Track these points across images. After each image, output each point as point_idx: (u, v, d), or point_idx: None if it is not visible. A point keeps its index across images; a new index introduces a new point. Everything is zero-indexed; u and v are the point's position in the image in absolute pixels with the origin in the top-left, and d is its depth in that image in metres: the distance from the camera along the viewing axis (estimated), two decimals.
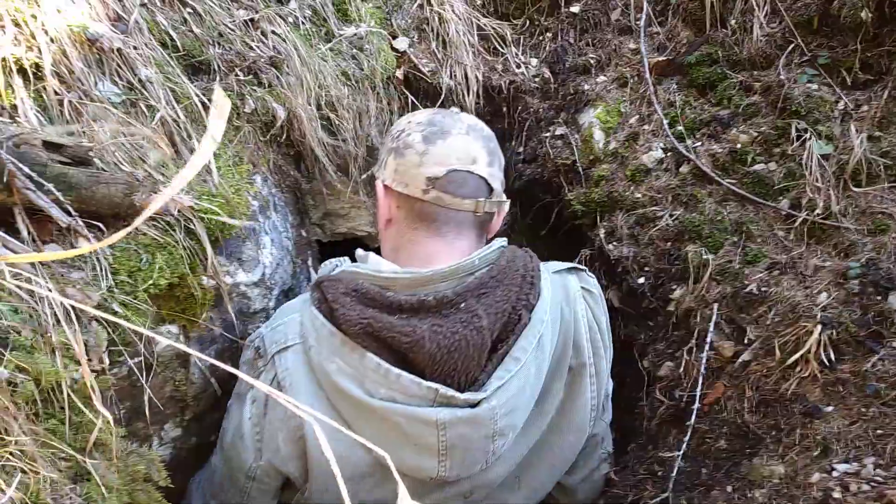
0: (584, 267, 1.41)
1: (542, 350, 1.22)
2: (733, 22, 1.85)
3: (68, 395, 1.04)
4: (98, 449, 1.11)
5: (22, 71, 1.21)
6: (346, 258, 1.30)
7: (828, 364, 1.30)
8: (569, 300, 1.32)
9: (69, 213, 1.05)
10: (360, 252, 1.30)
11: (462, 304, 1.14)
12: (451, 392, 1.12)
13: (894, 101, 1.57)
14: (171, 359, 1.32)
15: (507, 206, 1.32)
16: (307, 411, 0.51)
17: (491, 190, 1.25)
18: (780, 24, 1.80)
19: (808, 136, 1.60)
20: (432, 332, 1.11)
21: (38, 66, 1.23)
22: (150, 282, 1.22)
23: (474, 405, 1.13)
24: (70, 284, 1.11)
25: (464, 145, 1.22)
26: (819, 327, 1.32)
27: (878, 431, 1.17)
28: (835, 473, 1.15)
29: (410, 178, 1.21)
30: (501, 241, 1.26)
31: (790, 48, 1.75)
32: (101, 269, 1.16)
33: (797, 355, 1.31)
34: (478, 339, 1.13)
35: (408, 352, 1.11)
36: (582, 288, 1.36)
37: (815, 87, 1.67)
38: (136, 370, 1.22)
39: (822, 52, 1.70)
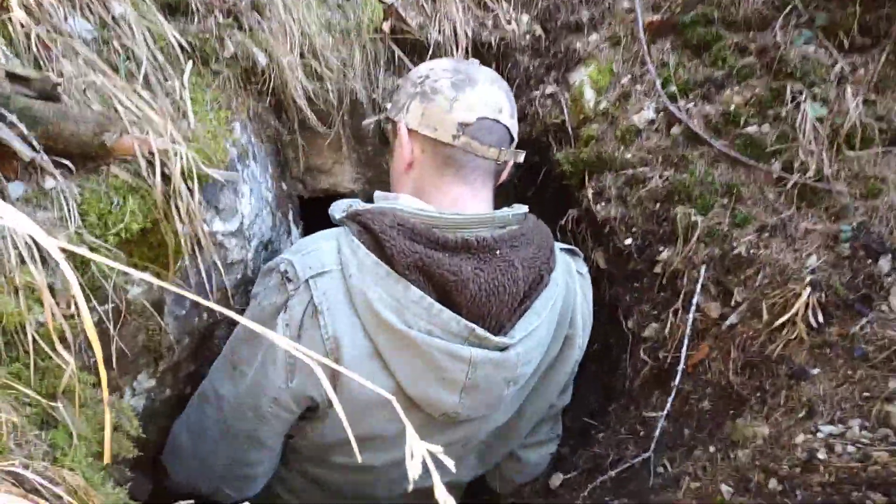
0: (579, 251, 1.46)
1: (554, 312, 1.29)
2: None
3: (33, 338, 0.99)
4: (67, 396, 1.07)
5: None
6: (358, 200, 1.32)
7: (815, 327, 1.28)
8: (571, 276, 1.39)
9: (34, 148, 0.99)
10: (382, 193, 1.30)
11: (498, 252, 1.19)
12: (486, 334, 1.17)
13: (891, 65, 1.54)
14: (144, 307, 1.27)
15: (521, 157, 1.34)
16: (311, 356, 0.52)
17: (512, 139, 1.29)
18: None
19: (802, 98, 1.56)
20: (475, 273, 1.16)
21: None
22: (121, 225, 1.17)
23: (503, 349, 1.20)
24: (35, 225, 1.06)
25: (492, 94, 1.24)
26: (808, 290, 1.31)
27: (865, 394, 1.15)
28: (819, 435, 1.14)
29: (440, 122, 1.23)
30: (522, 205, 1.31)
31: (787, 9, 1.70)
32: (68, 210, 1.11)
33: (785, 318, 1.30)
34: (513, 287, 1.19)
35: (452, 289, 1.15)
36: (577, 270, 1.42)
37: (811, 49, 1.64)
38: (105, 318, 1.17)
39: (820, 14, 1.67)
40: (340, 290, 1.18)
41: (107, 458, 0.64)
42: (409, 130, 1.27)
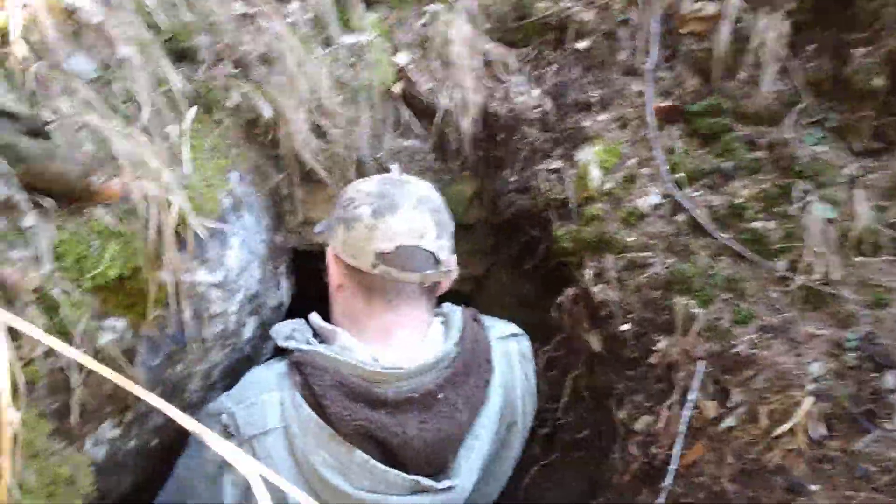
0: (521, 331, 1.50)
1: (493, 418, 1.32)
2: (742, 75, 1.80)
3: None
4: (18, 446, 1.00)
5: None
6: (303, 322, 1.32)
7: (816, 439, 1.22)
8: (510, 365, 1.40)
9: (11, 186, 0.94)
10: (321, 324, 1.31)
11: (441, 395, 1.21)
12: (430, 483, 1.19)
13: None
14: (114, 355, 1.21)
15: (454, 274, 1.36)
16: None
17: (438, 262, 1.28)
18: (790, 82, 1.75)
19: (811, 198, 1.54)
20: (419, 428, 1.18)
21: (4, 30, 1.14)
22: (98, 270, 1.12)
23: (448, 488, 1.22)
24: (8, 263, 1.01)
25: (413, 220, 1.24)
26: (810, 398, 1.25)
27: None
28: None
29: (359, 251, 1.24)
30: (457, 317, 1.32)
31: (799, 107, 1.70)
32: (44, 251, 1.06)
33: (785, 427, 1.23)
34: (458, 431, 1.23)
35: (397, 449, 1.17)
36: (519, 353, 1.45)
37: (822, 149, 1.62)
38: (70, 366, 1.11)
39: (832, 115, 1.66)
40: (284, 450, 1.17)
41: None
42: (335, 256, 1.30)
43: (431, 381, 1.21)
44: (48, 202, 1.07)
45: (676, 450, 1.36)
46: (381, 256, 1.22)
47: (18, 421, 0.90)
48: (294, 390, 1.19)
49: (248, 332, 1.52)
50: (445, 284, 1.37)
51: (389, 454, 1.18)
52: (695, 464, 1.35)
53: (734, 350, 1.40)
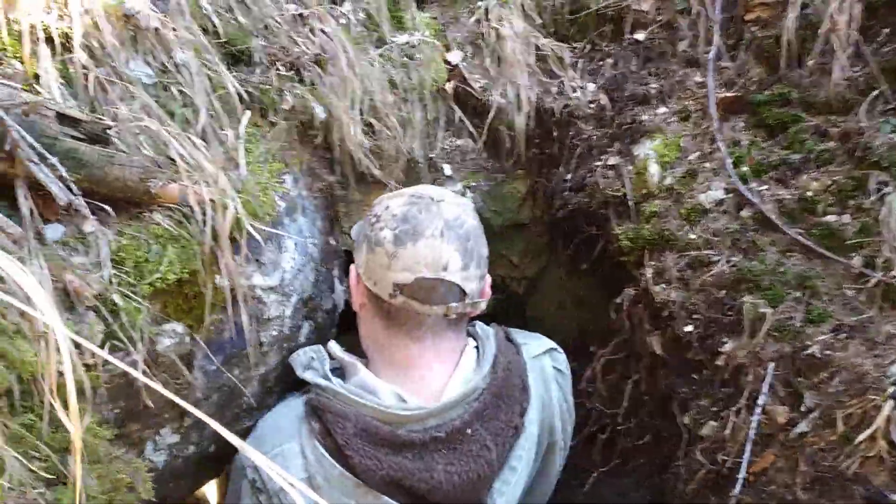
0: (556, 346, 1.42)
1: (532, 445, 1.26)
2: (811, 62, 1.71)
3: (51, 389, 0.94)
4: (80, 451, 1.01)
5: (49, 40, 1.14)
6: (322, 350, 1.27)
7: None
8: (546, 385, 1.34)
9: (72, 192, 0.96)
10: (339, 354, 1.26)
11: (469, 431, 1.15)
12: None
13: None
14: (174, 360, 1.23)
15: (483, 305, 1.27)
16: None
17: (464, 293, 1.20)
18: (863, 69, 1.65)
19: (888, 190, 1.45)
20: (447, 472, 1.13)
21: (67, 37, 1.16)
22: (157, 275, 1.13)
23: None
24: (69, 269, 1.03)
25: (435, 250, 1.15)
26: (891, 402, 1.17)
27: None
28: None
29: (378, 278, 1.18)
30: (491, 343, 1.25)
31: (873, 94, 1.60)
32: (105, 257, 1.08)
33: (866, 433, 1.16)
34: (488, 470, 1.16)
35: (426, 494, 1.13)
36: (554, 368, 1.38)
37: None
38: (131, 369, 1.12)
39: None
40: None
41: None
42: (357, 274, 1.23)
43: (458, 418, 1.15)
44: (108, 208, 1.08)
45: (745, 457, 1.30)
46: (401, 287, 1.15)
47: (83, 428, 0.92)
48: (314, 439, 1.15)
49: (304, 335, 1.52)
50: (476, 312, 1.29)
51: (419, 499, 1.13)
52: (765, 472, 1.29)
53: (807, 352, 1.33)
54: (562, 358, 1.42)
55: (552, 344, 1.42)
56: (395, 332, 1.21)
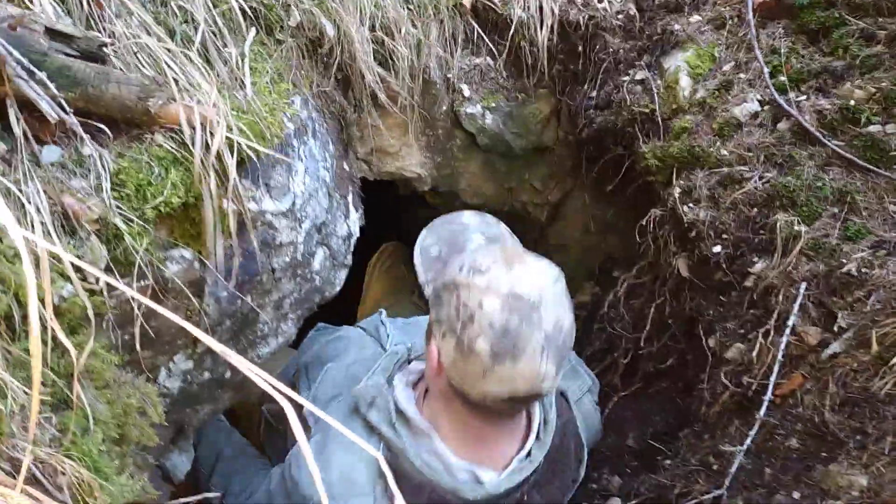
0: (589, 378, 1.50)
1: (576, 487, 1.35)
2: None
3: (52, 314, 0.93)
4: (87, 377, 1.01)
5: None
6: (384, 388, 1.24)
7: None
8: (588, 423, 1.42)
9: (63, 109, 0.92)
10: (412, 415, 1.21)
11: (525, 498, 1.22)
12: None
13: None
14: (183, 286, 1.21)
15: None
16: None
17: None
18: None
19: None
20: None
21: None
22: (161, 199, 1.10)
23: None
24: (68, 192, 1.00)
25: (537, 368, 1.05)
26: None
27: None
28: None
29: (469, 383, 1.09)
30: (553, 417, 1.26)
31: None
32: (105, 179, 1.05)
33: None
34: None
35: None
36: (594, 404, 1.51)
37: None
38: (136, 296, 1.11)
39: None
40: None
41: None
42: (440, 362, 1.13)
43: (517, 490, 1.20)
44: (106, 129, 1.05)
45: (772, 378, 1.25)
46: (492, 396, 1.08)
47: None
48: (387, 500, 1.17)
49: (318, 262, 1.49)
50: None
51: None
52: (792, 393, 1.24)
53: (843, 270, 1.26)
54: (595, 387, 1.52)
55: (586, 378, 1.49)
56: (474, 416, 1.16)
